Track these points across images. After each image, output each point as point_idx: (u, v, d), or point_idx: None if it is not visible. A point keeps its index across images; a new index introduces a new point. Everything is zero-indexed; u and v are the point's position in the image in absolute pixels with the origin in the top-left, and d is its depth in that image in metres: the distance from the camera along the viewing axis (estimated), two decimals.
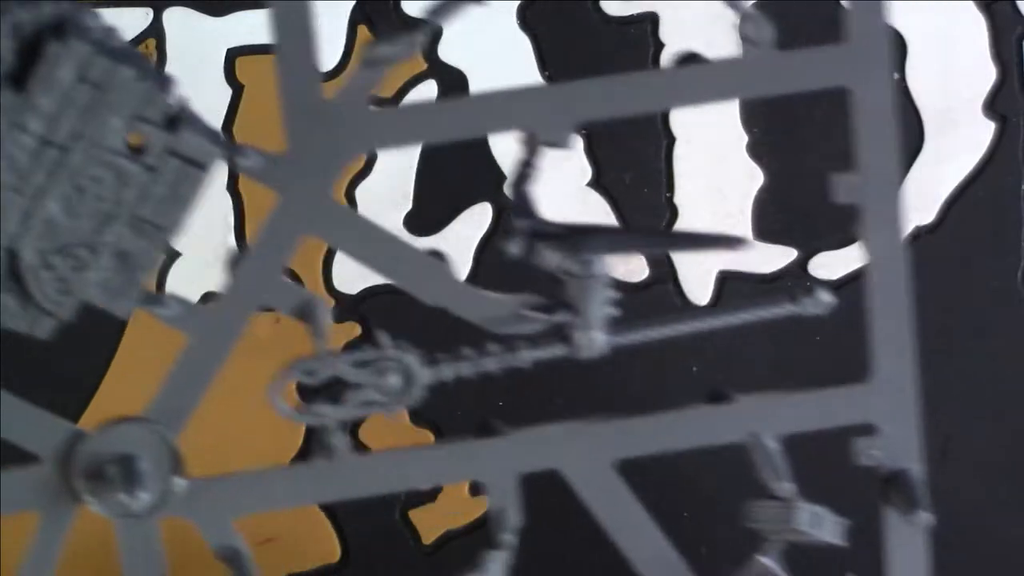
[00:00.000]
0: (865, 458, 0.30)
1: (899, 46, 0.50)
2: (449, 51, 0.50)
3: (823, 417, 0.30)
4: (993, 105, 0.50)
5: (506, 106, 0.28)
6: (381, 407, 0.28)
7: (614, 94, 0.28)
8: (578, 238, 0.27)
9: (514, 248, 0.27)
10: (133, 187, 0.26)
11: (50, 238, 0.26)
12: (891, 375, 0.29)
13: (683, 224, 0.51)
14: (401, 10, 0.50)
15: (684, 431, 0.29)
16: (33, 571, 0.29)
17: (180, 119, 0.26)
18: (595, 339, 0.28)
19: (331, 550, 0.50)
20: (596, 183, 0.50)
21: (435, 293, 0.28)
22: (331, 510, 0.51)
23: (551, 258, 0.27)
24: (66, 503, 0.29)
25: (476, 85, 0.50)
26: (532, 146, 0.27)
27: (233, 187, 0.51)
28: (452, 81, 0.50)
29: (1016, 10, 0.50)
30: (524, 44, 0.50)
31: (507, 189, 0.27)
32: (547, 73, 0.51)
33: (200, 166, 0.26)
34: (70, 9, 0.25)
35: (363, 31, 0.50)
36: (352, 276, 0.51)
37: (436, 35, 0.50)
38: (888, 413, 0.29)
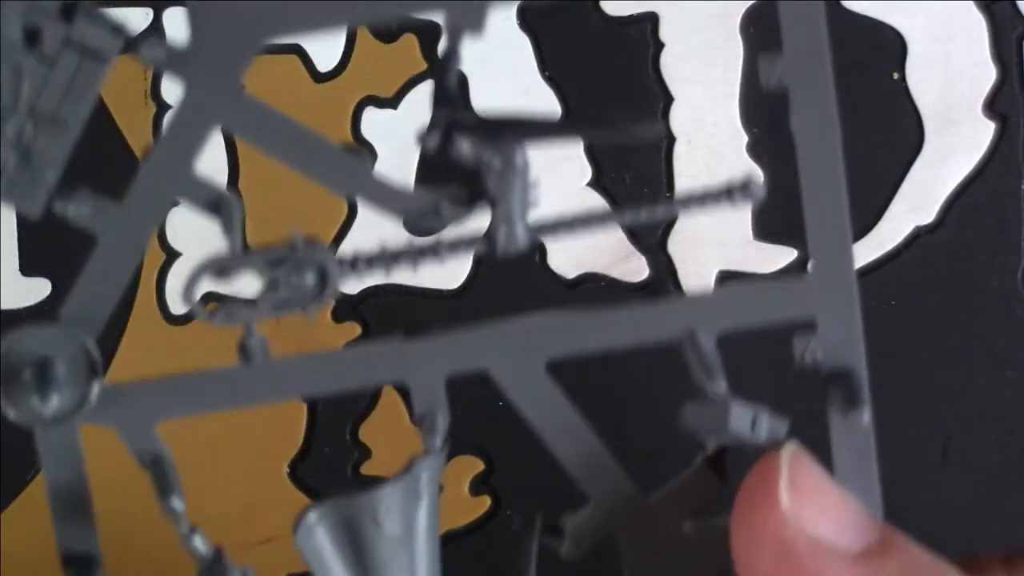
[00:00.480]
0: (807, 357, 0.29)
1: (899, 46, 0.50)
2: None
3: (760, 312, 0.28)
4: (993, 105, 0.50)
5: None
6: (297, 306, 0.28)
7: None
8: (494, 128, 0.26)
9: (430, 141, 0.26)
10: (30, 81, 0.26)
11: None
12: (828, 267, 0.28)
13: (683, 224, 0.51)
14: None
15: (618, 328, 0.28)
16: None
17: (76, 9, 0.25)
18: (516, 234, 0.27)
19: None
20: (596, 183, 0.50)
21: (351, 186, 0.27)
22: None
23: (466, 149, 0.26)
24: None
25: (476, 85, 0.50)
26: (454, 33, 0.26)
27: (233, 186, 0.51)
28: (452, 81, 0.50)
29: (1016, 10, 0.50)
30: (524, 44, 0.50)
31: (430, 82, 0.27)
32: (547, 73, 0.51)
33: (99, 58, 0.26)
34: None
35: (363, 31, 0.50)
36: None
37: (436, 35, 0.50)
38: (827, 307, 0.28)
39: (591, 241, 0.51)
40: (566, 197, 0.50)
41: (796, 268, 0.52)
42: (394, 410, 0.52)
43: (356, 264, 0.28)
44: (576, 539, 0.30)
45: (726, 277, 0.51)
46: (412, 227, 0.28)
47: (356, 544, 0.29)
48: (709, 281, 0.52)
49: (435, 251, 0.28)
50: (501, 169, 0.27)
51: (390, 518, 0.28)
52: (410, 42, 0.50)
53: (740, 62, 0.51)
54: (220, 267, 0.27)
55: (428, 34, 0.50)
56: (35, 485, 0.52)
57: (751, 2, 0.50)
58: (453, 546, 0.51)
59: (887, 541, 0.28)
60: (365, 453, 0.52)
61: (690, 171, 0.50)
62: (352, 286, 0.52)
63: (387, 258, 0.28)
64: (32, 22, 0.25)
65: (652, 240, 0.51)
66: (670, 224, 0.51)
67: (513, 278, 0.51)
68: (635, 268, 0.51)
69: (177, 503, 0.28)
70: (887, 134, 0.51)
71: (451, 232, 0.28)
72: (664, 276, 0.52)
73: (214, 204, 0.27)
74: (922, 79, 0.50)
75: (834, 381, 0.28)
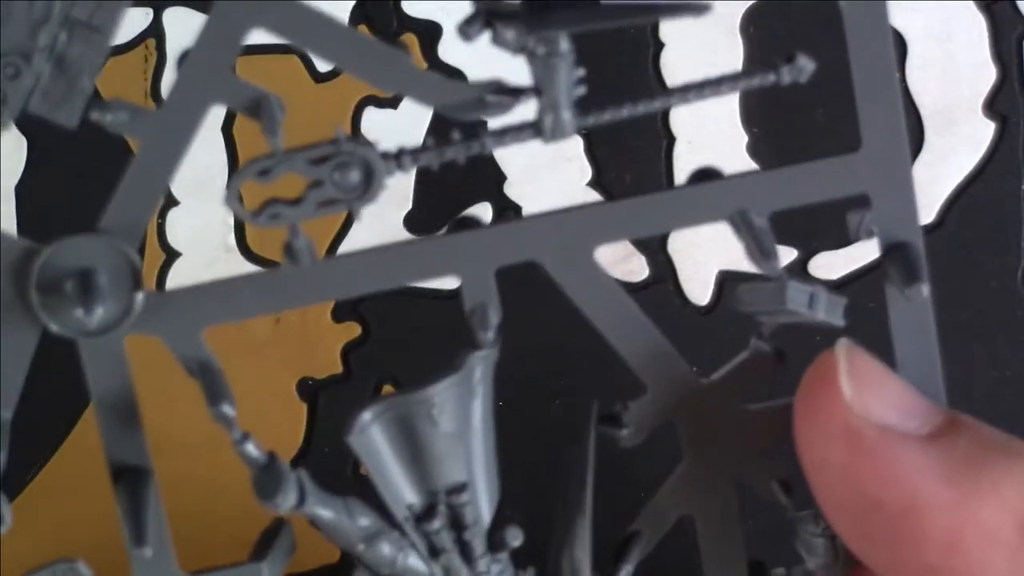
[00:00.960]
0: (862, 233, 0.28)
1: (899, 46, 0.50)
2: (449, 51, 0.50)
3: (813, 190, 0.28)
4: (993, 105, 0.50)
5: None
6: (343, 204, 0.27)
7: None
8: (537, 14, 0.26)
9: (471, 31, 0.26)
10: None
11: None
12: (881, 141, 0.28)
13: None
14: (401, 10, 0.50)
15: (668, 212, 0.28)
16: None
17: None
18: (562, 120, 0.27)
19: (331, 550, 0.50)
20: (596, 183, 0.50)
21: (394, 81, 0.27)
22: None
23: (509, 37, 0.26)
24: (25, 324, 0.28)
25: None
26: None
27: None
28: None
29: (1016, 10, 0.50)
30: None
31: None
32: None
33: None
34: None
35: (363, 31, 0.50)
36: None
37: (436, 35, 0.50)
38: (881, 182, 0.28)
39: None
40: (566, 197, 0.50)
41: (796, 268, 0.52)
42: None
43: (402, 158, 0.27)
44: (635, 426, 0.30)
45: (726, 277, 0.51)
46: (456, 119, 0.27)
47: (412, 441, 0.28)
48: (709, 281, 0.52)
49: (481, 142, 0.27)
50: (545, 55, 0.26)
51: (445, 415, 0.28)
52: (410, 42, 0.50)
53: (740, 62, 0.51)
54: (262, 168, 0.27)
55: (428, 34, 0.50)
56: (35, 485, 0.52)
57: (751, 2, 0.50)
58: None
59: (954, 421, 0.28)
60: None
61: (690, 171, 0.50)
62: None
63: (432, 150, 0.27)
64: None
65: (652, 240, 0.51)
66: None
67: (513, 278, 0.51)
68: (635, 268, 0.51)
69: (228, 408, 0.27)
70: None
71: (498, 122, 0.27)
72: (664, 276, 0.52)
73: (253, 105, 0.27)
74: (922, 79, 0.50)
75: (891, 256, 0.28)
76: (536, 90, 0.27)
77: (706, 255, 0.51)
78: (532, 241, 0.28)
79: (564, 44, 0.26)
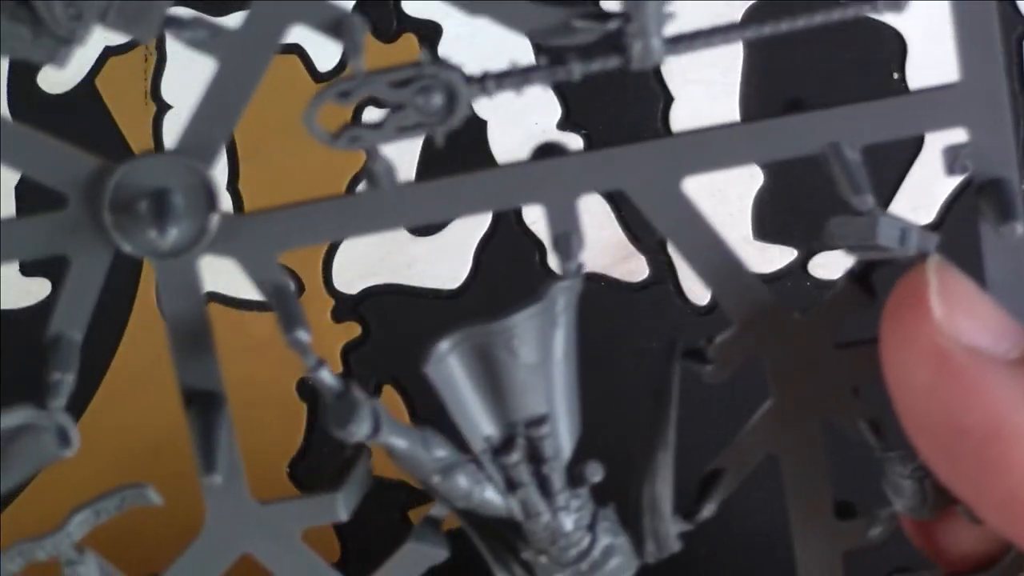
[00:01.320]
0: (957, 168, 0.28)
1: (899, 46, 0.50)
2: (449, 51, 0.50)
3: (908, 124, 0.27)
4: None
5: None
6: (424, 128, 0.26)
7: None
8: None
9: None
10: None
11: None
12: (980, 75, 0.27)
13: None
14: (401, 10, 0.50)
15: (758, 144, 0.27)
16: (64, 320, 0.28)
17: None
18: (652, 47, 0.26)
19: (331, 550, 0.50)
20: None
21: (479, 4, 0.26)
22: None
23: None
24: (98, 245, 0.27)
25: None
26: None
27: (233, 186, 0.51)
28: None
29: (1016, 10, 0.50)
30: (524, 44, 0.50)
31: None
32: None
33: None
34: None
35: None
36: (352, 276, 0.51)
37: (436, 35, 0.50)
38: (978, 117, 0.27)
39: (591, 241, 0.51)
40: None
41: (797, 268, 0.52)
42: (394, 409, 0.52)
43: (485, 82, 0.27)
44: (720, 361, 0.29)
45: None
46: (543, 44, 0.27)
47: (490, 372, 0.28)
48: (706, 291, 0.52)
49: (567, 67, 0.27)
50: None
51: (525, 346, 0.27)
52: (410, 42, 0.50)
53: (740, 62, 0.51)
54: (343, 90, 0.26)
55: (428, 34, 0.50)
56: (35, 485, 0.52)
57: (751, 2, 0.50)
58: (453, 546, 0.51)
59: None
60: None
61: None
62: (351, 287, 0.52)
63: (518, 75, 0.27)
64: None
65: (652, 240, 0.51)
66: None
67: (513, 278, 0.51)
68: (635, 268, 0.51)
69: (303, 335, 0.26)
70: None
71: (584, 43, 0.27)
72: (664, 276, 0.52)
73: (335, 25, 0.26)
74: (922, 79, 0.50)
75: (986, 192, 0.27)
76: (625, 16, 0.26)
77: None
78: (619, 170, 0.27)
79: None
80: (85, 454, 0.52)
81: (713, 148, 0.28)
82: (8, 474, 0.27)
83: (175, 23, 0.26)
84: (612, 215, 0.50)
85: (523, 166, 0.28)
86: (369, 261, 0.51)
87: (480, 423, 0.28)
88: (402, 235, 0.51)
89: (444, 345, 0.27)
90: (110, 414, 0.51)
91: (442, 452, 0.28)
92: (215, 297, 0.51)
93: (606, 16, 0.26)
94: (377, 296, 0.52)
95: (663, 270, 0.51)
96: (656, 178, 0.28)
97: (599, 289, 0.51)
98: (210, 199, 0.27)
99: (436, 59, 0.26)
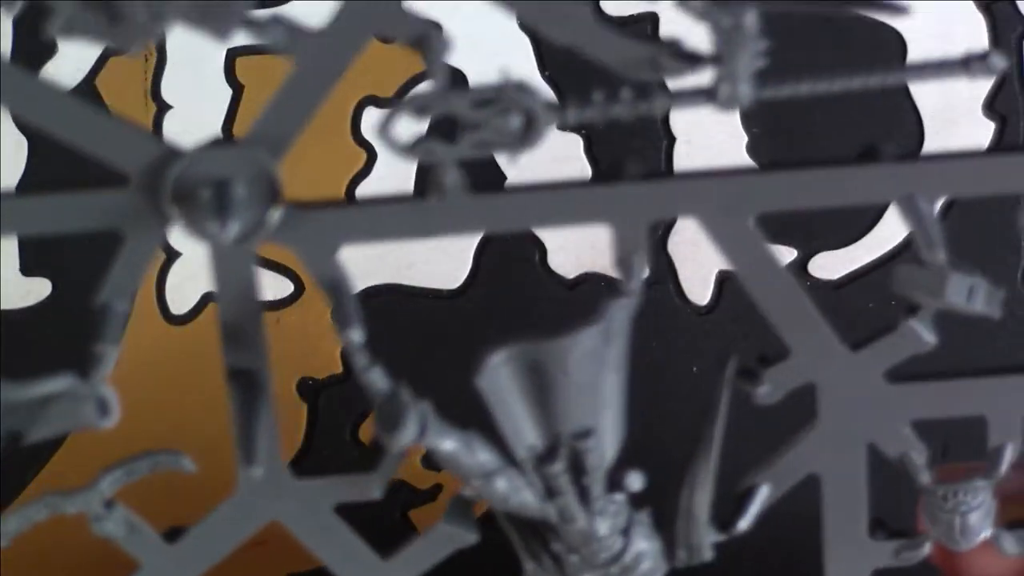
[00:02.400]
0: None
1: (899, 46, 0.50)
2: (449, 51, 0.50)
3: (986, 183, 0.28)
4: (993, 105, 0.50)
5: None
6: (500, 147, 0.26)
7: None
8: None
9: None
10: None
11: None
12: None
13: (683, 224, 0.51)
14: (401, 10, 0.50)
15: (834, 187, 0.28)
16: (114, 291, 0.28)
17: None
18: (741, 92, 0.26)
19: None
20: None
21: (569, 32, 0.26)
22: None
23: (696, 4, 0.25)
24: (153, 223, 0.27)
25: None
26: None
27: None
28: (452, 81, 0.50)
29: (1016, 10, 0.50)
30: (524, 44, 0.50)
31: None
32: (547, 73, 0.51)
33: None
34: None
35: None
36: (352, 276, 0.51)
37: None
38: None
39: (591, 241, 0.51)
40: None
41: (797, 268, 0.52)
42: None
43: (566, 111, 0.26)
44: (773, 385, 0.30)
45: (726, 277, 0.52)
46: (628, 77, 0.26)
47: (541, 386, 0.28)
48: (709, 281, 0.52)
49: (650, 103, 0.27)
50: (730, 29, 0.25)
51: (578, 364, 0.28)
52: None
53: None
54: (422, 105, 0.26)
55: None
56: (35, 485, 0.52)
57: (750, 2, 0.50)
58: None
59: None
60: (365, 453, 0.52)
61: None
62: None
63: (599, 104, 0.26)
64: None
65: (652, 240, 0.51)
66: (670, 224, 0.51)
67: (513, 278, 0.51)
68: None
69: (356, 335, 0.27)
70: (887, 135, 0.51)
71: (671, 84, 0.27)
72: (664, 276, 0.52)
73: (417, 40, 0.26)
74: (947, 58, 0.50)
75: None
76: (716, 58, 0.26)
77: (706, 255, 0.51)
78: (691, 199, 0.28)
79: (751, 18, 0.25)
80: (86, 455, 0.52)
81: (789, 187, 0.28)
82: (39, 430, 0.27)
83: (254, 24, 0.26)
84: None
85: (595, 186, 0.28)
86: (369, 261, 0.51)
87: (525, 432, 0.28)
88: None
89: (497, 358, 0.27)
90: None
91: (485, 456, 0.28)
92: (215, 297, 0.51)
93: (696, 58, 0.26)
94: (377, 296, 0.52)
95: (663, 270, 0.51)
96: (727, 211, 0.28)
97: (599, 289, 0.51)
98: (273, 191, 0.27)
99: (520, 83, 0.26)
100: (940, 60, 0.27)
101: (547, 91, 0.51)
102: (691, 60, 0.26)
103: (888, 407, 0.30)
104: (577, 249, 0.51)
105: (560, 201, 0.28)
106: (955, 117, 0.51)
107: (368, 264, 0.51)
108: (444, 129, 0.27)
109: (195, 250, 0.28)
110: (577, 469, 0.29)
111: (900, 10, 0.26)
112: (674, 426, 0.49)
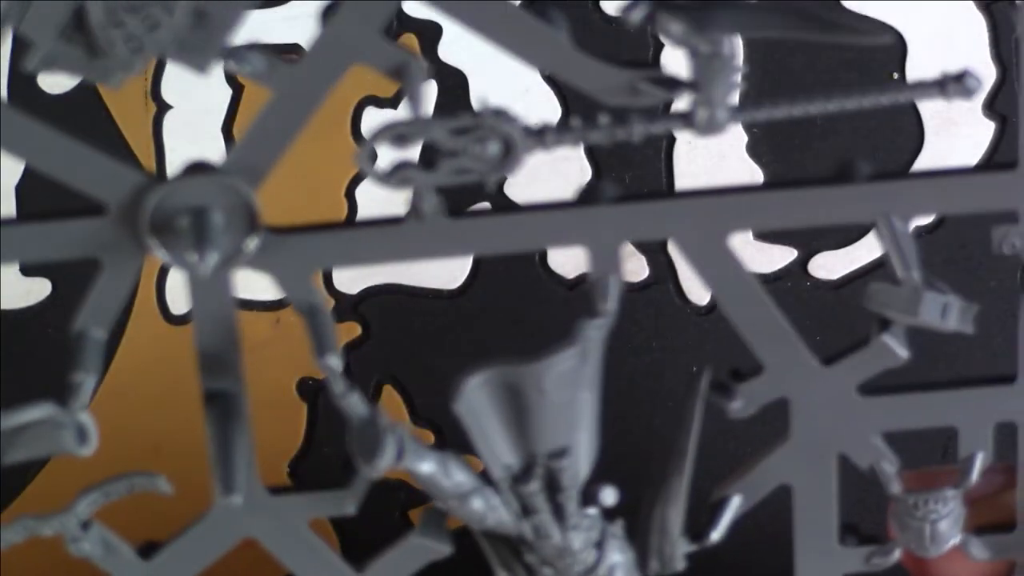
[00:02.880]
0: (1005, 247, 0.28)
1: (899, 46, 0.50)
2: (449, 51, 0.50)
3: (959, 201, 0.28)
4: (993, 105, 0.50)
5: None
6: (476, 175, 0.26)
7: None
8: (705, 12, 0.25)
9: (636, 14, 0.25)
10: None
11: None
12: None
13: None
14: (401, 10, 0.50)
15: (809, 207, 0.28)
16: (90, 318, 0.28)
17: None
18: (718, 117, 0.26)
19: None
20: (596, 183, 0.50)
21: (548, 60, 0.26)
22: None
23: (675, 30, 0.25)
24: (132, 252, 0.27)
25: (476, 85, 0.50)
26: None
27: None
28: (452, 81, 0.50)
29: (1016, 10, 0.50)
30: None
31: None
32: (547, 73, 0.50)
33: None
34: None
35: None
36: (352, 276, 0.51)
37: (436, 36, 0.50)
38: None
39: None
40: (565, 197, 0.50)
41: (797, 268, 0.52)
42: (394, 409, 0.52)
43: (544, 136, 0.27)
44: (747, 400, 0.30)
45: None
46: (607, 103, 0.27)
47: (517, 407, 0.28)
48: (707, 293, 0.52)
49: (626, 127, 0.27)
50: (709, 56, 0.25)
51: (554, 385, 0.28)
52: (410, 42, 0.50)
53: (739, 61, 0.51)
54: (400, 133, 0.26)
55: (428, 34, 0.50)
56: (35, 485, 0.52)
57: (751, 2, 0.50)
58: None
59: None
60: None
61: (690, 171, 0.50)
62: (351, 287, 0.52)
63: (577, 130, 0.27)
64: None
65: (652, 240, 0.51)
66: None
67: (513, 278, 0.51)
68: (635, 268, 0.51)
69: (334, 361, 0.27)
70: (887, 134, 0.51)
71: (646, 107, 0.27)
72: (664, 276, 0.52)
73: (396, 70, 0.26)
74: (922, 79, 0.50)
75: None
76: (693, 84, 0.26)
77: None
78: (666, 220, 0.28)
79: (729, 45, 0.26)
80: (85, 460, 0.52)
81: (763, 208, 0.28)
82: (17, 453, 0.27)
83: (234, 55, 0.26)
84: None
85: (570, 209, 0.28)
86: None
87: (502, 453, 0.29)
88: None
89: (473, 381, 0.28)
90: (110, 413, 0.51)
91: (461, 477, 0.29)
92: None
93: (674, 83, 0.26)
94: (377, 296, 0.52)
95: (663, 270, 0.51)
96: (703, 231, 0.28)
97: None
98: (251, 220, 0.27)
99: (497, 111, 0.26)
100: (916, 81, 0.27)
101: (549, 99, 0.51)
102: (669, 86, 0.26)
103: (860, 419, 0.30)
104: (577, 249, 0.51)
105: (536, 224, 0.28)
106: (955, 117, 0.51)
107: None
108: (424, 154, 0.27)
109: None
110: (552, 487, 0.29)
111: (882, 36, 0.26)
112: (674, 427, 0.49)
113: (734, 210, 0.28)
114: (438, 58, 0.50)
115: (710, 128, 0.26)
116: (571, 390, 0.28)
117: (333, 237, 0.28)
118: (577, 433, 0.29)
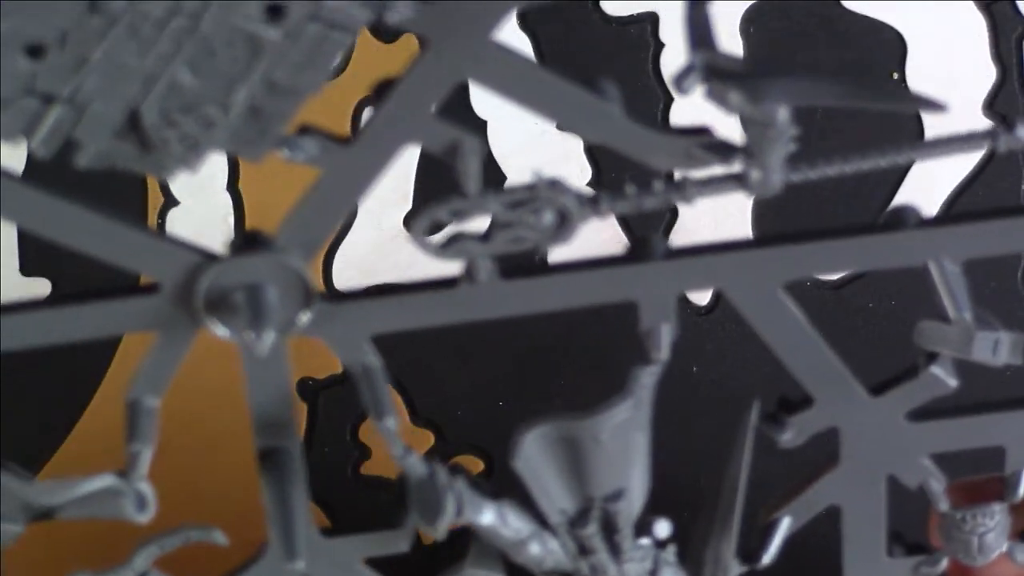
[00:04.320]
0: None
1: (899, 46, 0.50)
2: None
3: (1009, 242, 0.28)
4: (993, 105, 0.50)
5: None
6: (531, 243, 0.27)
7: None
8: (761, 82, 0.25)
9: (687, 84, 0.25)
10: (269, 52, 0.24)
11: (176, 99, 0.24)
12: None
13: (682, 223, 0.51)
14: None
15: (859, 255, 0.28)
16: (144, 387, 0.28)
17: None
18: (771, 182, 0.26)
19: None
20: (596, 183, 0.50)
21: (602, 131, 0.26)
22: (331, 509, 0.51)
23: (732, 101, 0.25)
24: (186, 327, 0.27)
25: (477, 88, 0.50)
26: None
27: (233, 186, 0.51)
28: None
29: (1016, 10, 0.50)
30: (524, 44, 0.50)
31: (685, 11, 0.25)
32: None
33: (345, 28, 0.24)
34: None
35: (363, 31, 0.50)
36: (352, 276, 0.51)
37: None
38: None
39: (591, 241, 0.51)
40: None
41: None
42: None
43: (599, 204, 0.27)
44: (797, 431, 0.30)
45: None
46: (660, 169, 0.27)
47: (574, 456, 0.28)
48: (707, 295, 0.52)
49: (684, 191, 0.27)
50: (763, 125, 0.26)
51: (610, 435, 0.28)
52: (410, 42, 0.50)
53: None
54: (457, 209, 0.26)
55: None
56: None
57: (751, 2, 0.50)
58: (453, 545, 0.51)
59: None
60: (365, 453, 0.52)
61: (690, 171, 0.50)
62: (351, 287, 0.52)
63: (632, 197, 0.27)
64: None
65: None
66: (670, 224, 0.51)
67: None
68: None
69: (391, 423, 0.27)
70: (887, 134, 0.51)
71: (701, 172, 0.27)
72: None
73: (451, 149, 0.26)
74: (922, 79, 0.50)
75: None
76: (747, 151, 0.26)
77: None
78: (718, 273, 0.28)
79: (784, 115, 0.25)
80: (89, 454, 0.52)
81: (815, 256, 0.28)
82: (78, 514, 0.28)
83: (288, 143, 0.26)
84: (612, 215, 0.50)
85: (622, 266, 0.28)
86: (369, 261, 0.51)
87: (558, 498, 0.29)
88: (402, 235, 0.51)
89: (530, 436, 0.28)
90: (111, 415, 0.51)
91: (519, 524, 0.29)
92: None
93: (730, 149, 0.26)
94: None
95: None
96: (756, 282, 0.28)
97: None
98: (306, 293, 0.27)
99: (552, 181, 0.27)
100: (968, 133, 0.28)
101: None
102: (723, 152, 0.26)
103: (909, 443, 0.31)
104: (577, 249, 0.51)
105: (589, 281, 0.28)
106: (955, 117, 0.51)
107: (368, 264, 0.51)
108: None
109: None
110: (608, 528, 0.29)
111: (936, 107, 0.26)
112: (674, 427, 0.49)
113: (785, 260, 0.28)
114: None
115: (763, 190, 0.27)
116: (625, 435, 0.29)
117: (387, 303, 0.28)
118: (631, 474, 0.29)
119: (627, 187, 0.27)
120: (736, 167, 0.26)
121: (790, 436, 0.30)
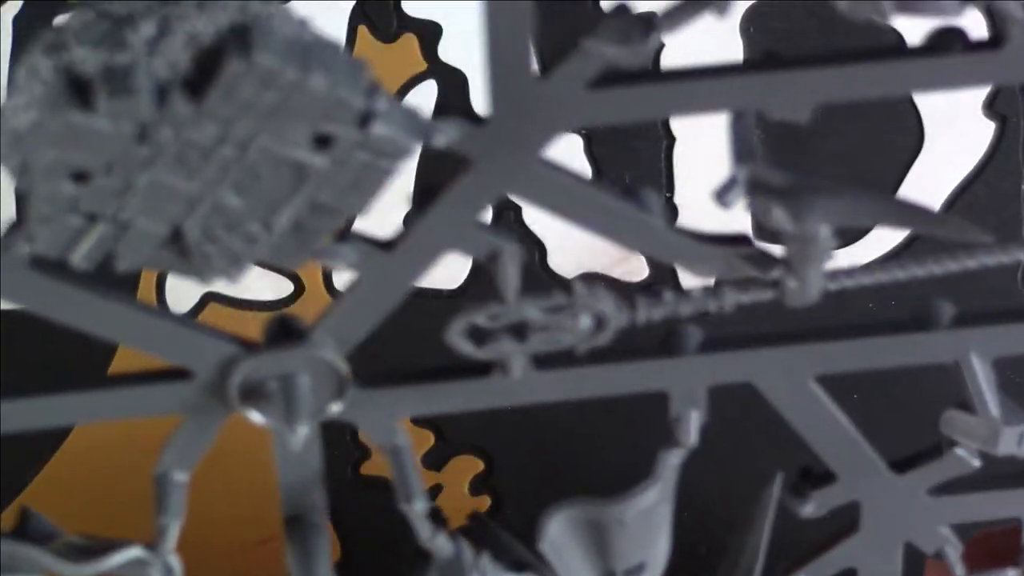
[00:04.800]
0: None
1: (899, 46, 0.50)
2: (449, 51, 0.50)
3: None
4: (993, 105, 0.50)
5: (727, 86, 0.26)
6: (567, 344, 0.27)
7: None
8: (804, 201, 0.25)
9: (729, 199, 0.26)
10: (315, 177, 0.24)
11: (219, 218, 0.25)
12: None
13: (682, 223, 0.51)
14: (402, 11, 0.50)
15: (890, 352, 0.29)
16: (172, 462, 0.29)
17: (373, 115, 0.24)
18: (808, 292, 0.27)
19: (331, 550, 0.50)
20: (596, 183, 0.50)
21: (644, 242, 0.27)
22: (331, 509, 0.51)
23: (776, 217, 0.26)
24: (218, 412, 0.28)
25: (476, 85, 0.50)
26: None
27: None
28: (452, 81, 0.50)
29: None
30: None
31: (729, 123, 0.26)
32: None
33: (392, 156, 0.24)
34: (255, 12, 0.23)
35: (363, 32, 0.50)
36: (351, 275, 0.51)
37: (436, 35, 0.50)
38: None
39: (591, 241, 0.51)
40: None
41: None
42: None
43: (636, 309, 0.27)
44: (819, 503, 0.31)
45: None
46: (700, 277, 0.28)
47: (597, 536, 0.29)
48: (709, 282, 0.52)
49: (720, 297, 0.28)
50: (803, 241, 0.26)
51: (634, 516, 0.29)
52: (410, 42, 0.50)
53: (740, 59, 0.51)
54: (495, 314, 0.27)
55: (428, 34, 0.50)
56: (35, 485, 0.52)
57: (751, 2, 0.50)
58: None
59: None
60: (365, 453, 0.52)
61: (690, 172, 0.50)
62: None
63: (669, 303, 0.28)
64: (323, 130, 0.24)
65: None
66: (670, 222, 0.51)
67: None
68: (635, 268, 0.51)
69: (420, 505, 0.28)
70: (887, 134, 0.51)
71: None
72: (664, 276, 0.52)
73: (491, 258, 0.27)
74: None
75: None
76: (787, 263, 0.27)
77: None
78: (749, 366, 0.29)
79: (825, 232, 0.26)
80: (86, 455, 0.52)
81: (847, 352, 0.29)
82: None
83: (327, 253, 0.26)
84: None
85: (653, 360, 0.29)
86: None
87: (580, 573, 0.30)
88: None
89: (555, 519, 0.29)
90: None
91: None
92: (215, 297, 0.51)
93: (769, 261, 0.27)
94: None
95: (663, 270, 0.52)
96: (785, 376, 0.29)
97: None
98: (339, 383, 0.28)
99: (590, 287, 0.27)
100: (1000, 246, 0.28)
101: None
102: (763, 263, 0.27)
103: (929, 515, 0.31)
104: (577, 249, 0.51)
105: (622, 373, 0.29)
106: (955, 117, 0.51)
107: None
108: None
109: None
110: None
111: (982, 238, 0.27)
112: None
113: (816, 355, 0.29)
114: (438, 58, 0.50)
115: (800, 300, 0.27)
116: (649, 515, 0.29)
117: (418, 391, 0.29)
118: (653, 546, 0.30)
119: (664, 293, 0.27)
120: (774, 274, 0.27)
121: (812, 508, 0.31)
